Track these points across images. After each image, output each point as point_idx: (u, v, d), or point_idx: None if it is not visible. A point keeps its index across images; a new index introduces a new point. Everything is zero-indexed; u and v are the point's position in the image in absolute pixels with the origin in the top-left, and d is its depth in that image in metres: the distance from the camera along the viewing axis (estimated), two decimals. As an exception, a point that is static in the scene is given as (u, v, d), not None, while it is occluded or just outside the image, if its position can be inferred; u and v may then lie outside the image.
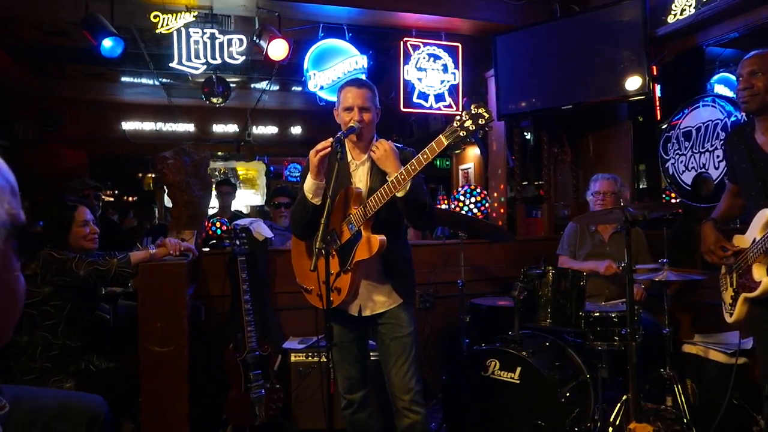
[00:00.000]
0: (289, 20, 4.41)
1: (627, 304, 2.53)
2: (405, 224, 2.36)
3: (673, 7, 3.76)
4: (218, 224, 3.80)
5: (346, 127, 2.21)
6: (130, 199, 11.85)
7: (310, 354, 3.25)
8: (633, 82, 3.89)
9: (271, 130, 9.10)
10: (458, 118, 1.92)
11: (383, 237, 2.14)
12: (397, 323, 2.28)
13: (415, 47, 4.66)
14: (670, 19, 3.77)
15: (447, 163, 8.35)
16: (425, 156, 1.99)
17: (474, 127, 1.88)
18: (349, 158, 2.33)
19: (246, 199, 8.37)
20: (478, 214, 4.41)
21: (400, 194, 2.08)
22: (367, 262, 2.20)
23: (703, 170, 3.62)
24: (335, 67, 4.61)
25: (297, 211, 2.31)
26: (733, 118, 3.47)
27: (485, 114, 1.87)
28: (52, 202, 2.94)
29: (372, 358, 2.66)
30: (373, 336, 2.39)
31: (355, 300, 2.30)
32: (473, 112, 1.89)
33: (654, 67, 3.97)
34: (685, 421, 2.78)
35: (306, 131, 9.20)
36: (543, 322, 2.88)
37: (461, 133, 1.90)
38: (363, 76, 5.04)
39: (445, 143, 1.94)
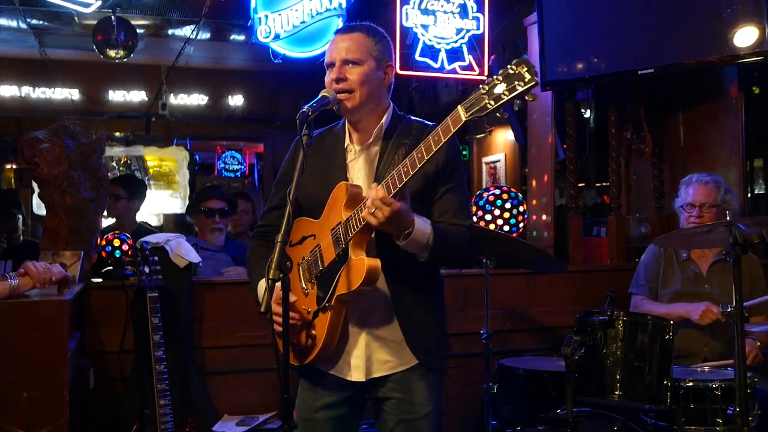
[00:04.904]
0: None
1: (736, 369, 2.55)
2: None
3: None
4: (116, 242, 3.79)
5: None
6: (-21, 202, 11.75)
7: (254, 442, 3.24)
8: (746, 35, 3.94)
9: (198, 99, 9.09)
10: (487, 81, 1.90)
11: (375, 262, 2.12)
12: (408, 397, 2.26)
13: (420, -23, 4.72)
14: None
15: (464, 152, 8.40)
16: (433, 141, 1.96)
17: (508, 95, 1.85)
18: (346, 143, 2.34)
19: (158, 203, 8.33)
20: (512, 229, 4.43)
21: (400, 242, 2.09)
22: (360, 299, 2.20)
23: None
24: (297, 6, 4.64)
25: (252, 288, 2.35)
26: None
27: (526, 75, 1.83)
28: None
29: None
30: (374, 413, 2.37)
31: (341, 355, 2.28)
32: (510, 71, 1.86)
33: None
34: None
35: (251, 102, 9.16)
36: (609, 394, 2.90)
37: (489, 104, 1.88)
38: (340, 21, 5.10)
39: (464, 119, 1.92)
